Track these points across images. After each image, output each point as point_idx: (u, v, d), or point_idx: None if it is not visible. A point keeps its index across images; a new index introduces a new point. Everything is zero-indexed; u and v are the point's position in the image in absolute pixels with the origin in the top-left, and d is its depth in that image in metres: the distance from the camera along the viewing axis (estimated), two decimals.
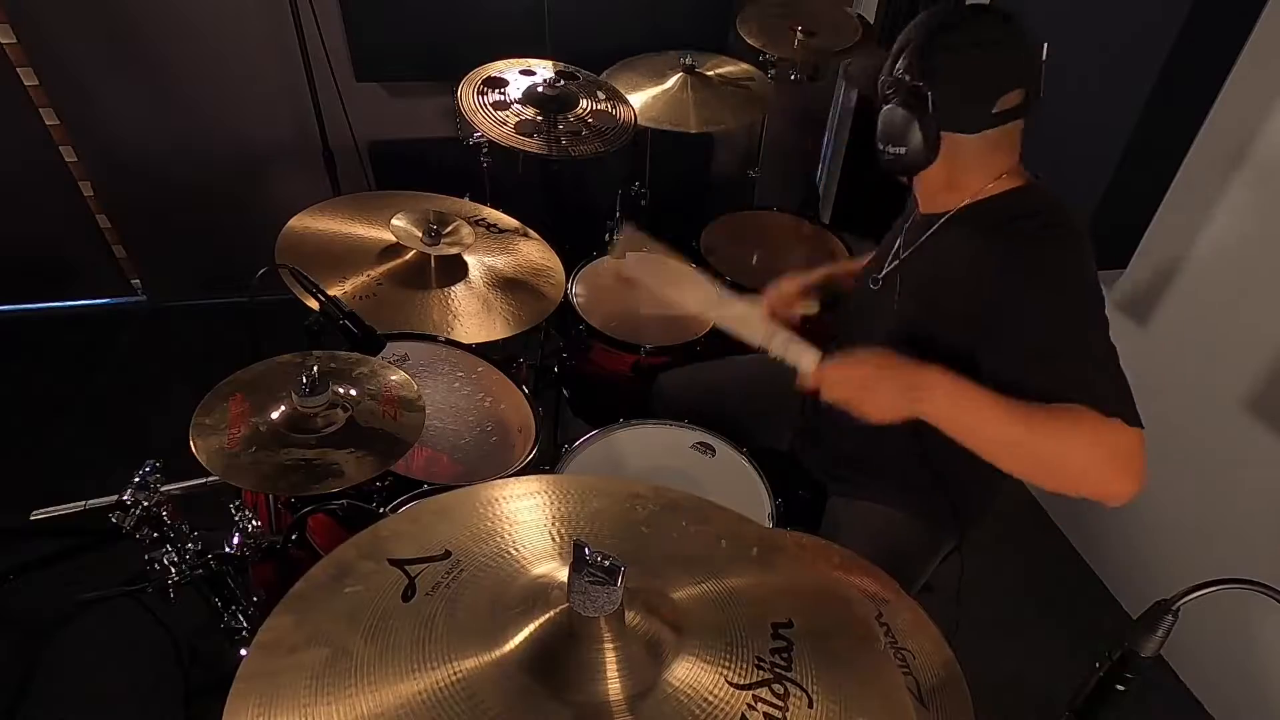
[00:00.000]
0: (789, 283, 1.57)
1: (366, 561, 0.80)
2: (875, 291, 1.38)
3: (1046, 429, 1.03)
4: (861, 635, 0.83)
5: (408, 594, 0.77)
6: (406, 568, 0.79)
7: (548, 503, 0.91)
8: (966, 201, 1.24)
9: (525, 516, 0.88)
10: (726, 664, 0.74)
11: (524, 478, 0.96)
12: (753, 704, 0.71)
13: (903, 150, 1.17)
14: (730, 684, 0.72)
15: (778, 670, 0.74)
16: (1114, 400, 1.03)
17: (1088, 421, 1.01)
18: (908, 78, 1.15)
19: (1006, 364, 1.11)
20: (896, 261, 1.35)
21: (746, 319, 1.28)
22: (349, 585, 0.77)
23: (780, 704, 0.71)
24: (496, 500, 0.90)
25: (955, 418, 1.07)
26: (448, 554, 0.82)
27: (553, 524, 0.88)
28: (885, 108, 1.17)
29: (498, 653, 0.71)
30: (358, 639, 0.72)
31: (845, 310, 1.55)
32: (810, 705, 0.72)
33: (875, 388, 1.11)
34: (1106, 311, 1.17)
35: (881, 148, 1.20)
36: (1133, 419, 1.03)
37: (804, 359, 1.19)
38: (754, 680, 0.73)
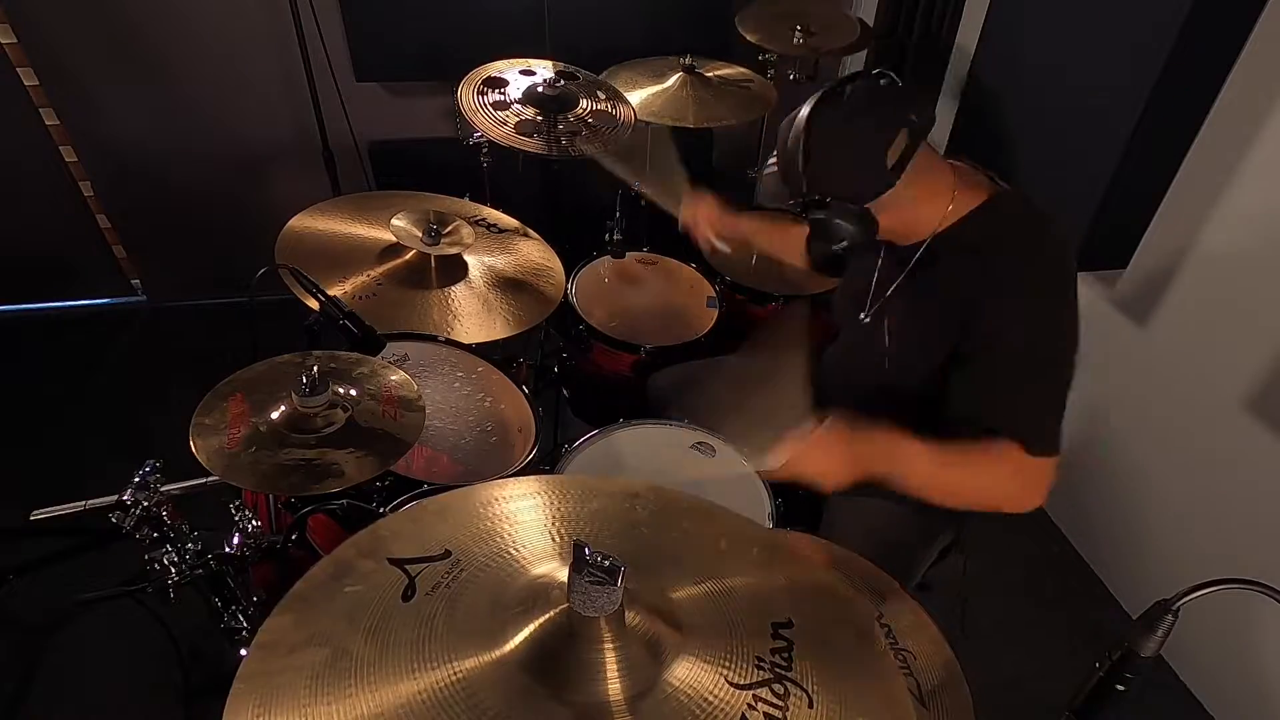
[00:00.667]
0: (709, 206, 1.64)
1: (366, 561, 0.80)
2: (865, 326, 1.38)
3: (978, 470, 1.18)
4: (861, 635, 0.83)
5: (408, 593, 0.77)
6: (406, 567, 0.79)
7: (547, 503, 0.91)
8: (937, 229, 1.23)
9: (525, 517, 0.88)
10: (727, 664, 0.74)
11: (523, 478, 0.96)
12: (753, 704, 0.71)
13: (845, 243, 1.18)
14: (730, 684, 0.72)
15: (778, 670, 0.74)
16: (1046, 440, 1.16)
17: (1014, 460, 1.15)
18: (805, 190, 1.17)
19: (969, 388, 1.21)
20: (882, 300, 1.35)
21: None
22: (349, 585, 0.77)
23: (780, 704, 0.71)
24: (496, 500, 0.90)
25: (900, 474, 1.19)
26: (448, 554, 0.81)
27: (552, 524, 0.88)
28: (808, 224, 1.19)
29: (498, 653, 0.71)
30: (358, 638, 0.72)
31: (836, 343, 1.55)
32: (810, 705, 0.72)
33: (832, 465, 1.19)
34: (1106, 312, 1.18)
35: (835, 249, 1.20)
36: (1054, 449, 1.17)
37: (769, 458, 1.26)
38: (754, 680, 0.73)
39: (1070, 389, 1.18)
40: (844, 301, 1.48)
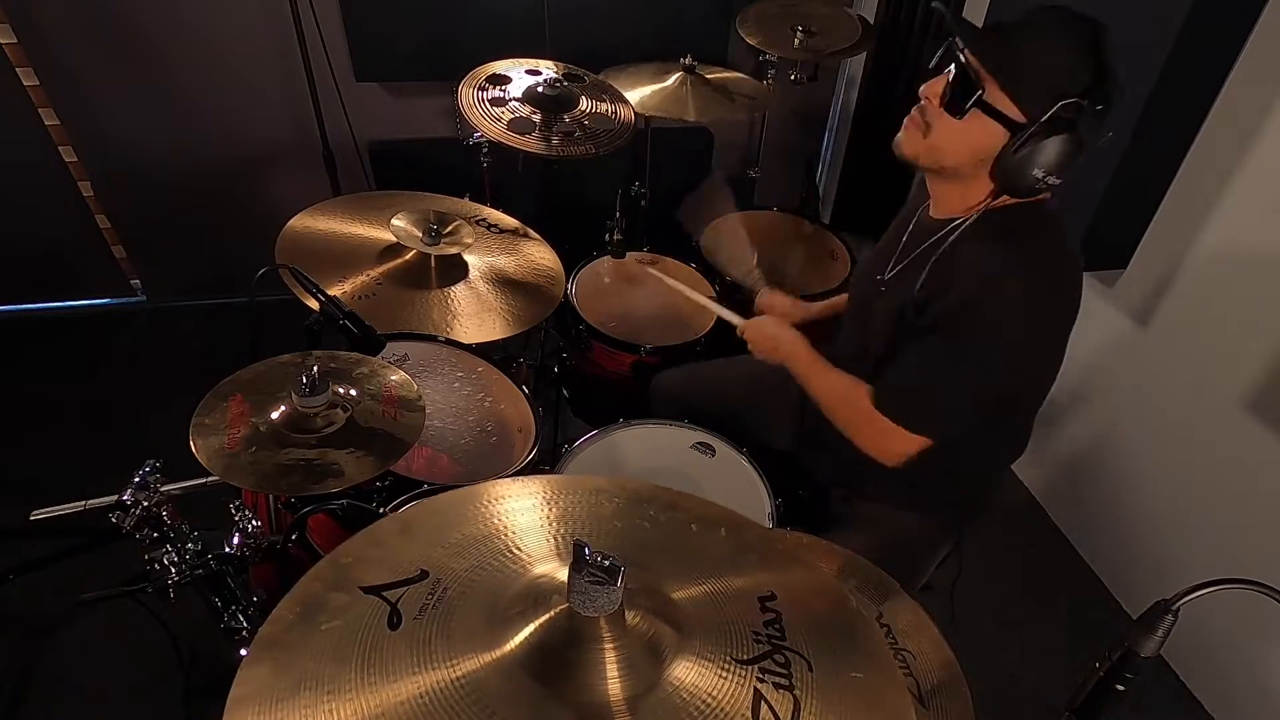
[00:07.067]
0: (782, 300, 1.75)
1: (336, 594, 0.75)
2: (882, 293, 1.37)
3: (834, 390, 1.37)
4: (834, 596, 0.87)
5: (394, 621, 0.73)
6: (384, 594, 0.75)
7: (511, 508, 0.89)
8: (982, 208, 1.22)
9: (498, 523, 0.86)
10: (729, 643, 0.75)
11: (479, 484, 0.93)
12: (762, 677, 0.72)
13: (1058, 181, 1.13)
14: (737, 660, 0.73)
15: (775, 641, 0.76)
16: (902, 409, 1.25)
17: (861, 401, 1.29)
18: (1087, 102, 1.09)
19: (911, 332, 1.26)
20: (904, 264, 1.33)
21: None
22: (324, 622, 0.73)
23: (785, 672, 0.73)
24: (459, 512, 0.87)
25: (793, 368, 1.44)
26: (424, 574, 0.78)
27: (523, 530, 0.86)
28: (1066, 136, 1.10)
29: (498, 653, 0.71)
30: (350, 675, 0.68)
31: (847, 306, 1.56)
32: (810, 669, 0.74)
33: (761, 342, 1.51)
34: (1106, 312, 1.18)
35: (1040, 177, 1.13)
36: (893, 411, 1.25)
37: (734, 319, 1.63)
38: (757, 654, 0.74)
39: (1015, 403, 1.28)
40: (864, 267, 1.50)
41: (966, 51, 1.13)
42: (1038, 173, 1.12)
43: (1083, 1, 1.10)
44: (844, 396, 1.34)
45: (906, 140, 1.24)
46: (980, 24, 1.19)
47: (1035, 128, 1.10)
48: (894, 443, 1.27)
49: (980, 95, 1.13)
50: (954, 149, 1.19)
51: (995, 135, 1.14)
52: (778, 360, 1.47)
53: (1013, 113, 1.12)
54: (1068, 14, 1.11)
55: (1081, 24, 1.10)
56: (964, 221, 1.23)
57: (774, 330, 1.51)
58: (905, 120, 1.24)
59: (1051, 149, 1.10)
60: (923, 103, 1.20)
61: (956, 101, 1.15)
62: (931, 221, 1.30)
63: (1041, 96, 1.10)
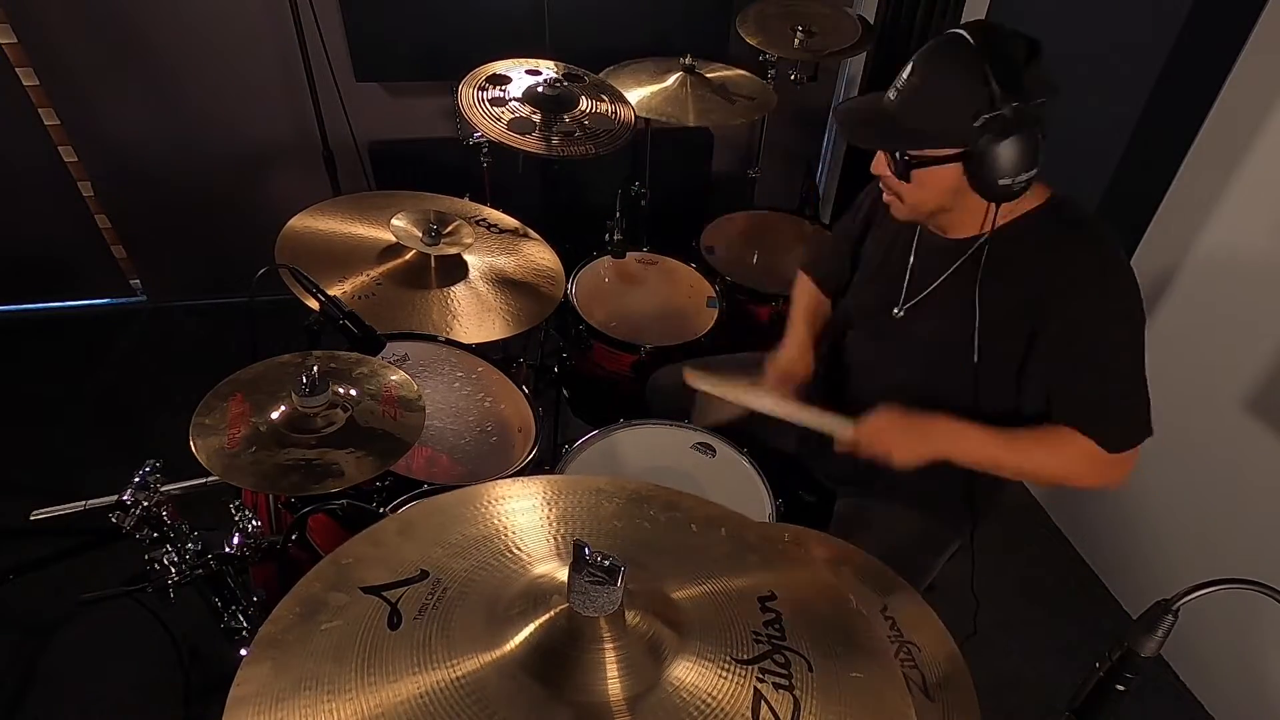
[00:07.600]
0: (786, 358, 1.55)
1: (336, 594, 0.76)
2: (897, 321, 1.37)
3: (1033, 455, 1.25)
4: (834, 596, 0.86)
5: (394, 621, 0.73)
6: (384, 594, 0.76)
7: (511, 508, 0.89)
8: (996, 224, 1.21)
9: (497, 524, 0.86)
10: (729, 643, 0.75)
11: (476, 485, 0.93)
12: (762, 677, 0.72)
13: (1034, 171, 1.13)
14: (737, 660, 0.73)
15: (775, 641, 0.76)
16: (1125, 436, 1.20)
17: (1072, 447, 1.21)
18: (1019, 101, 1.09)
19: (1050, 379, 1.23)
20: (928, 290, 1.32)
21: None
22: (325, 622, 0.73)
23: (785, 672, 0.73)
24: (459, 512, 0.88)
25: (961, 455, 1.27)
26: (424, 574, 0.78)
27: (523, 531, 0.86)
28: (1013, 138, 1.10)
29: (498, 653, 0.71)
30: (350, 675, 0.69)
31: (858, 341, 1.52)
32: (810, 669, 0.74)
33: (901, 442, 1.25)
34: None
35: (1010, 181, 1.12)
36: (1128, 443, 1.20)
37: (838, 426, 1.33)
38: (757, 654, 0.75)
39: (1144, 377, 1.19)
40: (868, 298, 1.46)
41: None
42: (1005, 181, 1.12)
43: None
44: (1054, 455, 1.23)
45: (894, 209, 1.30)
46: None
47: (973, 151, 1.12)
48: (1126, 467, 1.22)
49: (907, 160, 1.18)
50: (927, 198, 1.23)
51: (951, 171, 1.16)
52: (933, 456, 1.25)
53: (946, 152, 1.14)
54: (941, 45, 1.13)
55: (956, 48, 1.10)
56: (990, 236, 1.22)
57: (905, 421, 1.26)
58: (883, 195, 1.31)
59: (1006, 156, 1.10)
60: (881, 180, 1.27)
61: (898, 170, 1.21)
62: (950, 242, 1.28)
63: (955, 129, 1.11)
